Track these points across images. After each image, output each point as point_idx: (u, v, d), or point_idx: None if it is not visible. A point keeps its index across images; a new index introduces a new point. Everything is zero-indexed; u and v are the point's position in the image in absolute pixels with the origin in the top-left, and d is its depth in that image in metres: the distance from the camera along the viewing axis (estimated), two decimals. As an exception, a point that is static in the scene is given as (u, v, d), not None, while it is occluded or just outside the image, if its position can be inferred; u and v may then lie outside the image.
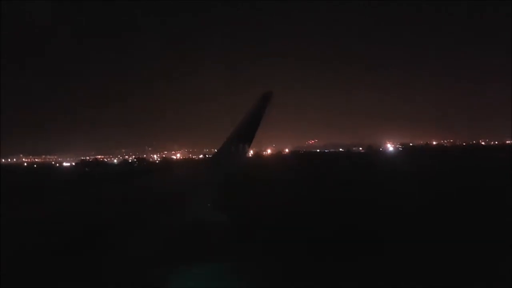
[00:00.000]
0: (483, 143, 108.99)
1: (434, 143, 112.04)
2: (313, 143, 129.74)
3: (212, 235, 6.87)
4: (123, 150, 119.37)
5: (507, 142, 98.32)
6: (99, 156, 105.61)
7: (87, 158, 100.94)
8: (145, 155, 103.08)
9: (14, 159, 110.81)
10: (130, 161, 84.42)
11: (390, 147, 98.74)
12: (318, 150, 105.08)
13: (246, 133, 8.07)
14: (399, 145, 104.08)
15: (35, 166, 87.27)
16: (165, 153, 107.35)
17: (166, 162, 74.08)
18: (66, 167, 76.45)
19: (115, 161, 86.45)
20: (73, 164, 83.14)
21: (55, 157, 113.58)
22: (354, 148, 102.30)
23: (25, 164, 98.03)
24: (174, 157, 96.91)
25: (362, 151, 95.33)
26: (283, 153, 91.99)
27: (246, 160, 9.11)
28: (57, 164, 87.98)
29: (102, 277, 3.33)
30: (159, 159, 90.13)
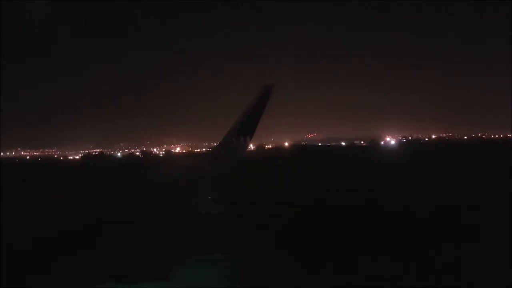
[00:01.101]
0: (483, 136, 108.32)
1: (433, 136, 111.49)
2: (311, 136, 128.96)
3: (212, 228, 6.60)
4: (122, 144, 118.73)
5: (508, 135, 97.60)
6: (99, 150, 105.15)
7: (92, 151, 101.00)
8: (144, 149, 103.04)
9: (13, 153, 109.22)
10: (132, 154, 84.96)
11: (392, 140, 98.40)
12: (320, 144, 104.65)
13: (248, 126, 8.05)
14: (401, 138, 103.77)
15: (39, 159, 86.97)
16: (164, 147, 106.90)
17: (171, 156, 74.27)
18: (77, 160, 75.95)
19: (119, 154, 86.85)
20: (78, 157, 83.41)
21: (54, 150, 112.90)
22: (356, 142, 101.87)
23: (28, 157, 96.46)
24: (176, 150, 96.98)
25: (364, 144, 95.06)
26: (285, 146, 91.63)
27: (247, 153, 8.78)
28: (61, 158, 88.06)
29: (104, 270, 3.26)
30: (162, 153, 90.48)
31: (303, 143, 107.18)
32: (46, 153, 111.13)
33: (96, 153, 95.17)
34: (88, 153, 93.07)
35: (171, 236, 4.76)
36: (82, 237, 3.45)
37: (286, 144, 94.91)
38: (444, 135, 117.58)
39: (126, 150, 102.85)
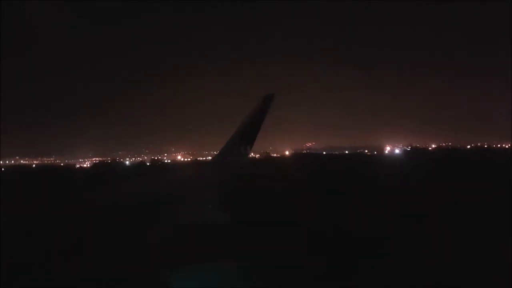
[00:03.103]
0: (485, 145, 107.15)
1: (433, 146, 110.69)
2: (310, 145, 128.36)
3: (213, 234, 6.75)
4: (120, 153, 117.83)
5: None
6: (97, 158, 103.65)
7: (95, 159, 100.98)
8: (145, 157, 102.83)
9: (13, 161, 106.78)
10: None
11: (396, 149, 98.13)
12: (324, 153, 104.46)
13: (248, 134, 8.06)
14: (405, 146, 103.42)
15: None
16: (165, 155, 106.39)
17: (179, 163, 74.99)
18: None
19: (127, 162, 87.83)
20: (87, 165, 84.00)
21: (52, 159, 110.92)
22: (360, 150, 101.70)
23: (34, 165, 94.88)
24: (178, 158, 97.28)
25: (368, 153, 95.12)
26: (287, 155, 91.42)
27: (248, 162, 8.73)
28: (73, 166, 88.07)
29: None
30: (169, 160, 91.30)
31: (304, 151, 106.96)
32: (46, 162, 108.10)
33: (109, 161, 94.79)
34: (101, 161, 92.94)
35: (172, 243, 4.93)
36: (81, 247, 3.43)
37: (287, 152, 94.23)
38: (444, 144, 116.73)
39: (128, 158, 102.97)
